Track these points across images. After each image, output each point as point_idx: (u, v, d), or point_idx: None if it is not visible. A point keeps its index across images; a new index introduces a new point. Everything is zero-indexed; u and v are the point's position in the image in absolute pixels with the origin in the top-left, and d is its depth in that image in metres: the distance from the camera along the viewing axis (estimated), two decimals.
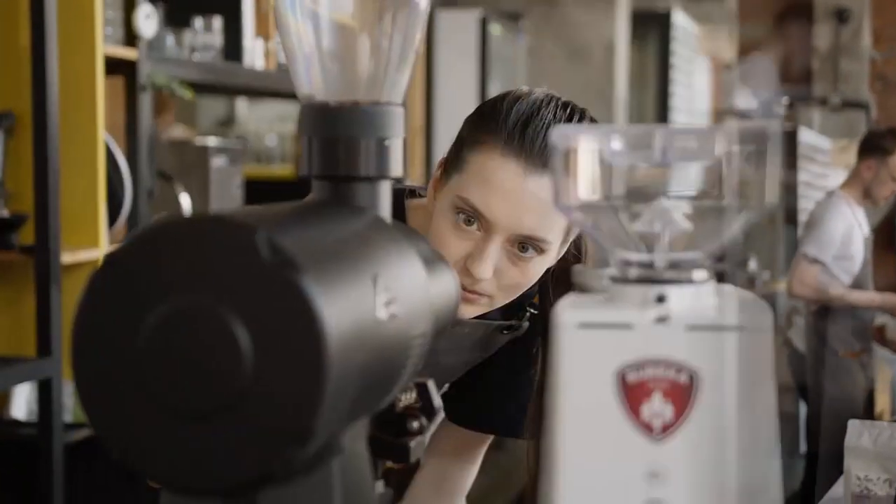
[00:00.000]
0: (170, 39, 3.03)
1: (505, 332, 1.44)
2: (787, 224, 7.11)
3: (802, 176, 6.92)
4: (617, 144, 0.72)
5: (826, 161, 7.90)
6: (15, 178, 2.52)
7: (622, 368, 0.69)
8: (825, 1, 9.47)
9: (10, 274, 2.58)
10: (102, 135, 2.57)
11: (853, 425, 2.04)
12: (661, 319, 0.69)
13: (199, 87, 3.25)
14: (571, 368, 0.70)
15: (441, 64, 4.83)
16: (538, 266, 1.29)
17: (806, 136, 7.26)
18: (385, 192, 0.83)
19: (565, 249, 1.36)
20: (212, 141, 3.26)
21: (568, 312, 0.70)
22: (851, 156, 8.75)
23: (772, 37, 6.05)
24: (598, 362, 0.69)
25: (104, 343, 0.64)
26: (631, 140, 0.72)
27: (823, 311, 4.35)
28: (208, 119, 6.17)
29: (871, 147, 4.36)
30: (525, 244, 1.26)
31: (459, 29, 4.75)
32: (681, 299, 0.70)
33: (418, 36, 0.85)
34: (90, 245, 2.59)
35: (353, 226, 0.75)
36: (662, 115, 7.56)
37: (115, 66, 2.71)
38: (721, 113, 8.56)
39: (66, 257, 2.49)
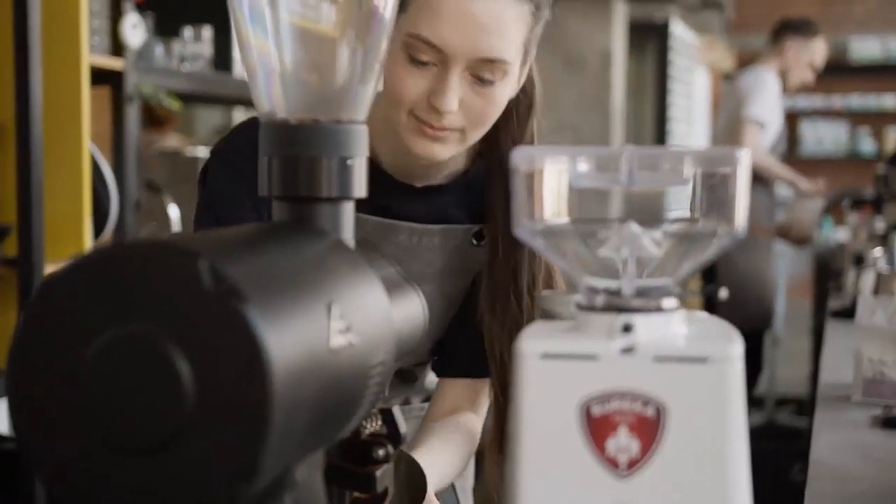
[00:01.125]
0: (159, 49, 3.01)
1: (475, 241, 1.42)
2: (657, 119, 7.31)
3: (671, 70, 7.09)
4: (582, 166, 0.69)
5: (693, 56, 8.00)
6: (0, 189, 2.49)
7: (587, 401, 0.66)
8: None
9: None
10: (88, 145, 2.55)
11: (865, 301, 1.92)
12: (627, 350, 0.66)
13: (189, 97, 3.22)
14: (534, 400, 0.67)
15: None
16: (502, 91, 1.27)
17: (677, 30, 7.30)
18: (348, 213, 0.80)
19: (525, 75, 1.34)
20: (202, 151, 3.23)
21: (531, 342, 0.67)
22: (717, 53, 8.80)
23: None
24: (561, 394, 0.66)
25: (41, 373, 0.61)
26: (597, 162, 0.69)
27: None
28: (205, 128, 6.15)
29: (796, 28, 4.51)
30: (484, 70, 1.24)
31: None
32: (648, 328, 0.67)
33: (382, 49, 0.82)
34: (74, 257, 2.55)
35: (311, 250, 0.72)
36: (660, 125, 7.53)
37: (101, 76, 2.68)
38: None
39: (50, 269, 2.46)
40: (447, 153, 1.29)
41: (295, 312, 0.63)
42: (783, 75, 4.49)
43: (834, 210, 9.95)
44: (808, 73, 4.55)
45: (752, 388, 4.77)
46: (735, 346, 0.66)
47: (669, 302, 0.69)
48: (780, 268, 5.99)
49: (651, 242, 0.69)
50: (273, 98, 0.81)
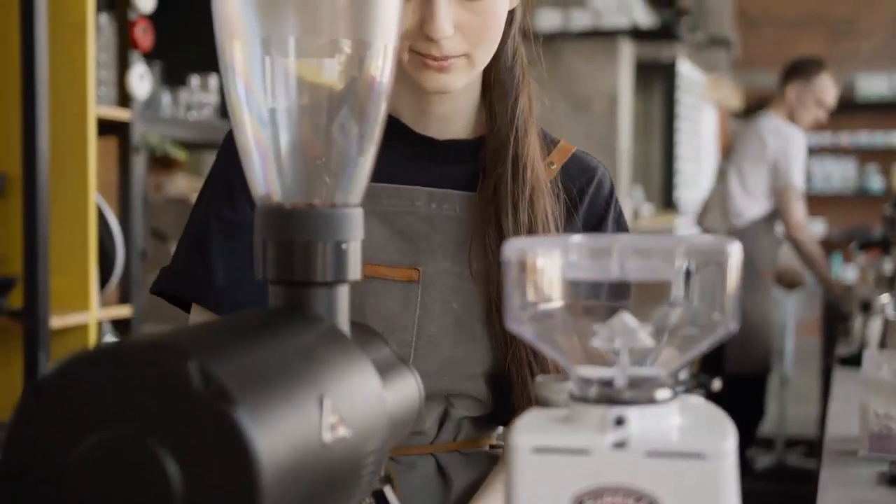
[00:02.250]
0: (166, 97, 3.03)
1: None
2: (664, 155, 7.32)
3: (678, 109, 7.11)
4: (573, 257, 0.69)
5: (700, 94, 8.02)
6: (5, 241, 2.50)
7: (579, 496, 0.66)
8: None
9: None
10: (94, 197, 2.56)
11: (870, 356, 1.89)
12: (620, 445, 0.66)
13: (196, 145, 3.24)
14: (527, 494, 0.67)
15: None
16: (497, 2, 1.19)
17: (684, 69, 7.31)
18: (343, 296, 0.80)
19: None
20: None
21: (523, 435, 0.67)
22: (724, 91, 8.83)
23: None
24: (553, 489, 0.66)
25: (32, 473, 0.61)
26: (589, 253, 0.69)
27: (750, 229, 4.46)
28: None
29: (796, 71, 4.57)
30: None
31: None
32: (641, 421, 0.67)
33: (377, 133, 0.82)
34: (81, 309, 2.56)
35: (303, 339, 0.72)
36: (668, 164, 7.54)
37: (108, 127, 2.69)
38: None
39: (56, 321, 2.47)
40: (460, 82, 1.21)
41: (286, 410, 0.63)
42: (791, 118, 4.51)
43: (842, 247, 9.96)
44: (818, 112, 4.55)
45: (755, 431, 4.74)
46: (729, 441, 0.66)
47: (663, 393, 0.69)
48: (788, 307, 5.98)
49: (645, 334, 0.69)
50: (268, 182, 0.81)
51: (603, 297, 0.71)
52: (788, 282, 4.99)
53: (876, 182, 10.22)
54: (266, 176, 0.81)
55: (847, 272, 8.30)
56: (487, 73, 1.28)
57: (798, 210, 4.40)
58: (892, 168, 10.14)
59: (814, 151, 10.28)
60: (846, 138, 10.23)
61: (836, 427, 2.10)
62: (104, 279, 2.63)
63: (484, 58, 1.21)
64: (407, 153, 1.29)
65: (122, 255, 2.65)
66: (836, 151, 10.31)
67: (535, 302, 0.70)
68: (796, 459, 5.36)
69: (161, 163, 3.60)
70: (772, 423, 5.65)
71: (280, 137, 0.80)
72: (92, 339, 2.59)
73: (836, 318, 4.60)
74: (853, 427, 1.91)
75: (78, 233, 2.53)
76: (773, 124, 4.53)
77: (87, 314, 2.57)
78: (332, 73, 0.79)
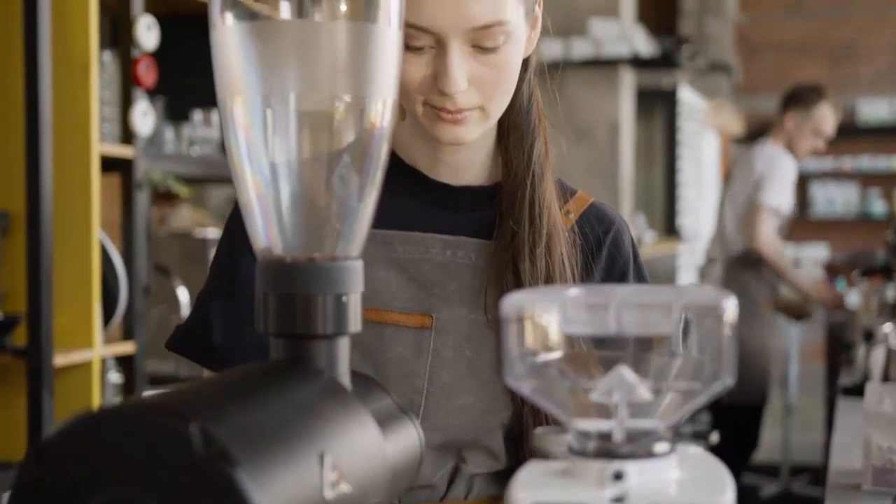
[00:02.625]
0: (169, 132, 3.04)
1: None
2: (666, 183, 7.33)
3: (680, 135, 7.12)
4: (571, 312, 0.70)
5: (702, 120, 8.03)
6: (10, 279, 2.51)
7: None
8: None
9: (2, 376, 2.56)
10: (97, 234, 2.57)
11: (872, 389, 1.88)
12: (619, 500, 0.66)
13: (199, 179, 3.26)
14: None
15: None
16: (511, 54, 1.18)
17: (685, 95, 7.33)
18: (343, 348, 0.81)
19: (537, 31, 1.25)
20: (212, 232, 3.25)
21: (523, 490, 0.68)
22: (725, 116, 8.85)
23: None
24: None
25: None
26: (585, 307, 0.70)
27: (744, 258, 4.43)
28: (217, 198, 6.18)
29: (795, 100, 4.55)
30: (484, 39, 1.15)
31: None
32: (640, 475, 0.67)
33: (377, 183, 0.83)
34: (84, 346, 2.57)
35: (303, 395, 0.73)
36: (670, 190, 7.56)
37: (111, 164, 2.71)
38: None
39: (60, 359, 2.47)
40: (474, 134, 1.21)
41: (287, 469, 0.63)
42: (790, 147, 4.52)
43: (846, 272, 9.95)
44: (816, 141, 4.56)
45: (748, 460, 4.71)
46: (727, 495, 0.66)
47: (661, 446, 0.69)
48: (791, 334, 5.97)
49: (643, 388, 0.69)
50: (269, 235, 0.82)
51: (601, 350, 0.71)
52: (793, 313, 4.99)
53: (878, 206, 10.23)
54: (267, 229, 0.81)
55: (851, 297, 8.30)
56: (503, 118, 1.27)
57: (764, 225, 4.39)
58: (895, 192, 10.16)
59: (816, 176, 10.30)
60: (848, 163, 10.24)
61: (839, 460, 2.09)
62: (108, 315, 2.64)
63: (498, 110, 1.21)
64: (422, 200, 1.29)
65: (126, 291, 2.66)
66: (838, 176, 10.32)
67: (533, 356, 0.71)
68: (802, 487, 5.34)
69: (165, 195, 3.62)
70: (777, 451, 5.63)
71: (280, 191, 0.80)
72: (96, 377, 2.59)
73: (839, 344, 4.60)
74: (857, 459, 1.91)
75: (81, 270, 2.54)
76: (765, 150, 4.56)
77: (91, 351, 2.57)
78: (332, 127, 0.80)
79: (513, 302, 0.70)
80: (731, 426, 4.33)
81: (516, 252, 1.24)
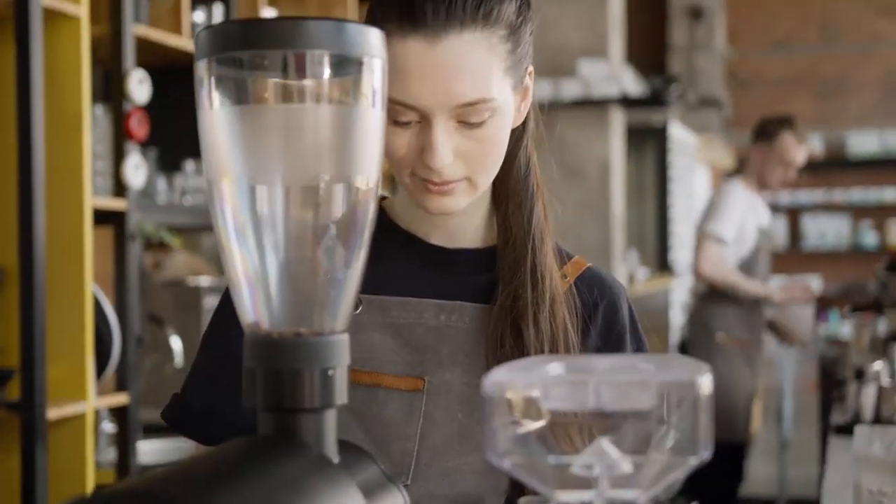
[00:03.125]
0: (161, 183, 3.07)
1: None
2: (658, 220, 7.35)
3: (671, 171, 7.15)
4: (552, 390, 0.71)
5: (693, 155, 8.07)
6: (3, 333, 2.52)
7: None
8: None
9: None
10: (90, 287, 2.58)
11: (861, 432, 1.89)
12: None
13: (192, 229, 3.28)
14: None
15: None
16: (498, 128, 1.18)
17: (676, 131, 7.37)
18: (331, 421, 0.82)
19: (528, 101, 1.26)
20: (204, 280, 3.27)
21: None
22: (716, 151, 8.88)
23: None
24: None
25: None
26: (566, 385, 0.71)
27: (710, 295, 4.43)
28: (210, 242, 6.19)
29: (760, 133, 4.59)
30: (469, 114, 1.15)
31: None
32: None
33: (361, 260, 0.85)
34: (78, 398, 2.58)
35: (289, 472, 0.74)
36: (662, 226, 7.59)
37: (104, 216, 2.73)
38: None
39: (53, 412, 2.48)
40: (461, 204, 1.22)
41: None
42: (761, 179, 4.55)
43: (839, 304, 9.98)
44: (785, 171, 4.54)
45: (735, 494, 4.69)
46: None
47: None
48: (786, 367, 5.99)
49: (623, 460, 0.71)
50: (257, 311, 0.83)
51: (582, 423, 0.73)
52: (787, 340, 5.00)
53: (870, 238, 10.28)
54: (254, 305, 0.83)
55: (843, 329, 8.31)
56: (499, 184, 1.28)
57: (704, 252, 4.40)
58: (886, 224, 10.22)
59: (808, 209, 10.35)
60: (839, 195, 10.31)
61: (831, 502, 2.11)
62: (101, 367, 2.65)
63: (486, 180, 1.22)
64: (419, 264, 1.30)
65: (119, 343, 2.67)
66: (829, 208, 10.38)
67: (514, 432, 0.72)
68: None
69: (160, 243, 3.63)
70: (773, 485, 5.63)
71: (267, 268, 0.82)
72: (89, 429, 2.60)
73: (832, 378, 4.60)
74: (848, 501, 1.92)
75: (75, 323, 2.55)
76: (727, 185, 4.61)
77: (85, 404, 2.58)
78: (317, 205, 0.82)
79: (494, 380, 0.72)
80: (716, 462, 4.29)
81: (520, 316, 1.24)
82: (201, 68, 0.80)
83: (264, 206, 0.82)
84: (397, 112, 1.16)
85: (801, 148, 4.56)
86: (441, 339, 1.27)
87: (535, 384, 0.72)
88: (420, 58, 1.14)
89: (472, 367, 1.25)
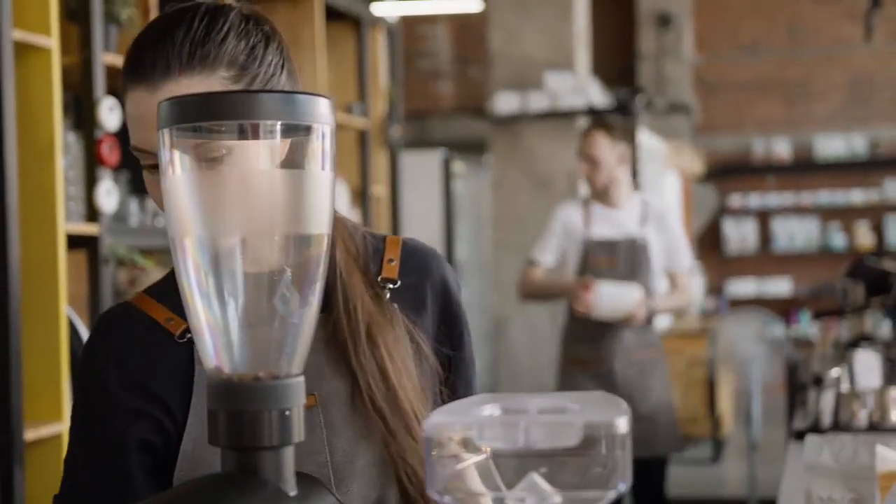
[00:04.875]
0: (133, 205, 3.12)
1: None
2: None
3: (640, 178, 7.19)
4: (486, 431, 0.79)
5: (662, 161, 8.15)
6: None
7: None
8: (647, 5, 9.76)
9: None
10: (65, 310, 2.64)
11: (812, 441, 1.94)
12: None
13: (164, 250, 3.34)
14: None
15: (407, 204, 4.94)
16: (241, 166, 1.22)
17: (645, 139, 7.48)
18: (288, 457, 0.89)
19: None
20: None
21: None
22: (685, 157, 8.94)
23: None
24: None
25: None
26: (498, 427, 0.79)
27: (569, 320, 4.29)
28: None
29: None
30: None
31: (424, 168, 4.86)
32: None
33: (315, 306, 0.92)
34: (53, 419, 2.63)
35: None
36: None
37: (77, 241, 2.78)
38: None
39: (29, 434, 2.54)
40: None
41: None
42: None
43: (809, 305, 10.11)
44: (585, 167, 4.38)
45: None
46: None
47: None
48: (754, 369, 6.08)
49: (554, 494, 0.78)
50: (218, 356, 0.90)
51: (514, 460, 0.80)
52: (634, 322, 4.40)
53: (838, 240, 10.41)
54: (216, 351, 0.90)
55: (812, 330, 8.43)
56: None
57: (523, 275, 4.35)
58: (854, 225, 10.36)
59: (777, 211, 10.48)
60: (808, 198, 10.44)
61: None
62: None
63: None
64: None
65: None
66: (798, 211, 10.51)
67: (451, 469, 0.80)
68: None
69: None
70: (743, 486, 5.73)
71: (228, 317, 0.89)
72: (65, 450, 2.65)
73: (797, 381, 4.66)
74: None
75: (50, 345, 2.61)
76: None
77: (61, 425, 2.64)
78: (272, 259, 0.89)
79: (434, 421, 0.79)
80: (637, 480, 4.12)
81: (345, 350, 1.29)
82: (164, 137, 0.87)
83: (223, 261, 0.89)
84: (142, 157, 1.23)
85: (586, 138, 4.38)
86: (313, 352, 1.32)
87: (470, 425, 0.79)
88: (144, 105, 1.21)
89: (344, 371, 1.30)
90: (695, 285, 4.36)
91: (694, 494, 5.93)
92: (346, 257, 1.34)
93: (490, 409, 0.82)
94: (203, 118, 0.86)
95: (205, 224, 0.88)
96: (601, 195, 4.35)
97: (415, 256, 1.39)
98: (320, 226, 0.90)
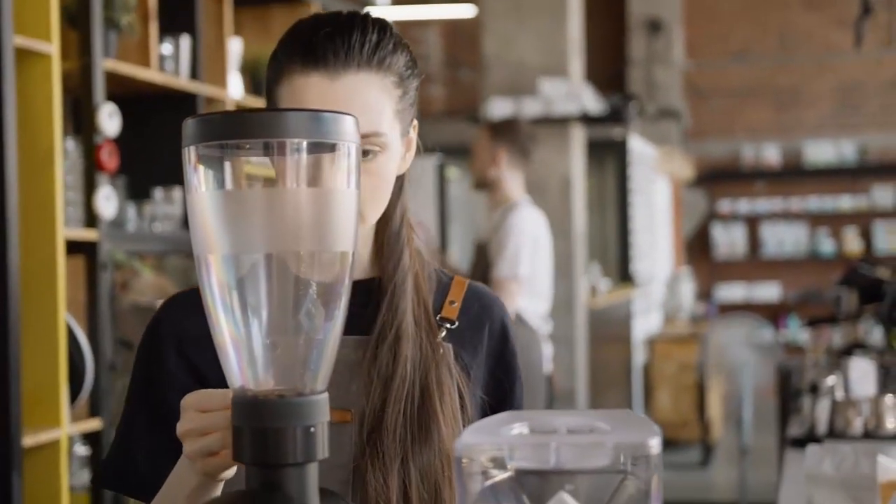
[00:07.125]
0: (131, 211, 3.12)
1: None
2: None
3: (631, 183, 7.21)
4: (517, 452, 0.79)
5: (653, 166, 8.17)
6: None
7: None
8: (638, 11, 9.78)
9: None
10: (63, 316, 2.63)
11: (813, 451, 1.95)
12: None
13: (161, 255, 3.34)
14: None
15: None
16: (386, 164, 1.26)
17: (636, 144, 7.50)
18: (312, 473, 0.89)
19: (412, 151, 1.34)
20: None
21: None
22: (675, 162, 8.95)
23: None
24: None
25: None
26: (528, 447, 0.79)
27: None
28: (176, 261, 6.22)
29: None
30: (364, 144, 1.20)
31: (417, 175, 4.82)
32: None
33: (339, 322, 0.92)
34: (52, 425, 2.63)
35: None
36: (623, 237, 7.69)
37: (76, 246, 2.78)
38: None
39: (28, 440, 2.53)
40: None
41: None
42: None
43: (798, 310, 10.14)
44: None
45: None
46: None
47: None
48: (746, 375, 6.09)
49: None
50: (243, 374, 0.91)
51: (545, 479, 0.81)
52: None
53: (827, 245, 10.45)
54: (241, 369, 0.90)
55: (802, 335, 8.45)
56: (380, 229, 1.35)
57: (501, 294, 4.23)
58: (842, 231, 10.39)
59: (766, 217, 10.50)
60: (797, 204, 10.46)
61: None
62: (74, 393, 2.70)
63: (373, 215, 1.28)
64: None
65: (92, 369, 2.73)
66: (787, 217, 10.54)
67: (484, 488, 0.80)
68: None
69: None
70: (734, 490, 5.74)
71: (252, 336, 0.90)
72: (63, 455, 2.65)
73: (789, 387, 4.66)
74: None
75: (48, 352, 2.60)
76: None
77: (59, 430, 2.63)
78: (297, 278, 0.90)
79: (465, 442, 0.79)
80: None
81: (391, 374, 1.29)
82: (189, 154, 0.87)
83: (248, 278, 0.89)
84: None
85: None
86: (345, 369, 1.29)
87: (501, 445, 0.79)
88: (321, 91, 1.23)
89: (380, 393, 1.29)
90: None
91: (683, 499, 5.93)
92: (407, 272, 1.34)
93: (518, 428, 0.82)
94: (230, 136, 0.87)
95: (228, 241, 0.89)
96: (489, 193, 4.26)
97: (478, 300, 1.40)
98: (345, 241, 0.90)
